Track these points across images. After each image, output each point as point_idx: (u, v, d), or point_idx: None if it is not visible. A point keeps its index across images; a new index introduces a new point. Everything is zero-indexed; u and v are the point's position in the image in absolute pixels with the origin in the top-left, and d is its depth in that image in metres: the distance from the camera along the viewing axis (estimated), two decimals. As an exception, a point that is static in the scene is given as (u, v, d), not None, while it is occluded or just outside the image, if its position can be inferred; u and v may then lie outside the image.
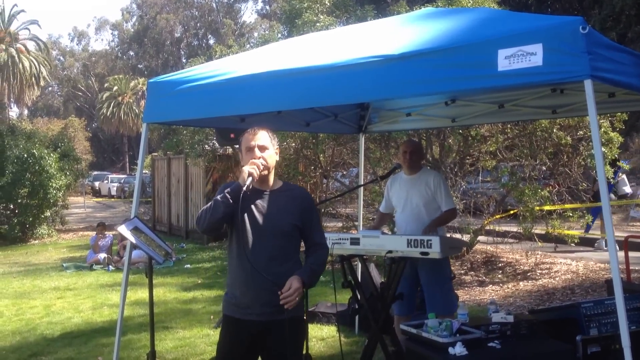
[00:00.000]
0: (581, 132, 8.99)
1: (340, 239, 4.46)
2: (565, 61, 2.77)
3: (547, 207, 9.55)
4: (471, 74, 3.01)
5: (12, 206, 16.70)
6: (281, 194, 3.17)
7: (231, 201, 2.99)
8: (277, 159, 3.21)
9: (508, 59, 2.86)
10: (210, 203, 3.06)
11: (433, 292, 4.87)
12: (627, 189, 11.82)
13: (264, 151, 3.11)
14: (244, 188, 2.99)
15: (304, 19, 10.37)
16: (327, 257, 3.20)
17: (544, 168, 9.71)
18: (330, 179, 12.69)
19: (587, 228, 11.60)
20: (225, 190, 3.02)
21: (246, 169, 3.03)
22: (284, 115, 5.40)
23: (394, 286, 4.45)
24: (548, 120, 8.16)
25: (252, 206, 3.09)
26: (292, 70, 3.68)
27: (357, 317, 6.13)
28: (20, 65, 45.37)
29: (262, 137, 3.14)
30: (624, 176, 11.49)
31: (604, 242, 11.23)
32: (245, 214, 3.07)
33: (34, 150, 16.23)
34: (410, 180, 5.07)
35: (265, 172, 3.09)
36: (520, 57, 2.83)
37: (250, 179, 3.00)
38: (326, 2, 11.18)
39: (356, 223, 9.13)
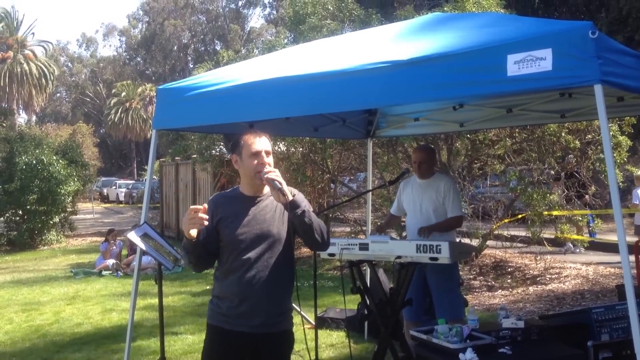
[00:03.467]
0: (590, 136, 8.94)
1: (349, 244, 4.45)
2: (575, 66, 2.76)
3: (555, 213, 9.50)
4: (480, 79, 3.00)
5: (21, 212, 16.77)
6: (269, 198, 2.97)
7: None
8: None
9: (517, 64, 2.85)
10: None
11: (441, 297, 4.83)
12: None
13: (269, 156, 2.94)
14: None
15: (309, 24, 10.39)
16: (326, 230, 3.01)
17: (552, 172, 9.66)
18: (338, 183, 12.69)
19: (592, 234, 11.51)
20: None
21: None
22: (292, 121, 5.41)
23: (404, 291, 4.44)
24: (556, 124, 8.13)
25: (246, 215, 2.94)
26: (300, 77, 3.69)
27: (366, 323, 6.11)
28: (29, 72, 45.66)
29: (267, 142, 2.96)
30: None
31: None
32: (241, 223, 2.92)
33: (43, 157, 16.30)
34: (422, 185, 5.05)
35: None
36: (530, 62, 2.82)
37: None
38: (329, 7, 11.19)
39: (364, 228, 9.12)
